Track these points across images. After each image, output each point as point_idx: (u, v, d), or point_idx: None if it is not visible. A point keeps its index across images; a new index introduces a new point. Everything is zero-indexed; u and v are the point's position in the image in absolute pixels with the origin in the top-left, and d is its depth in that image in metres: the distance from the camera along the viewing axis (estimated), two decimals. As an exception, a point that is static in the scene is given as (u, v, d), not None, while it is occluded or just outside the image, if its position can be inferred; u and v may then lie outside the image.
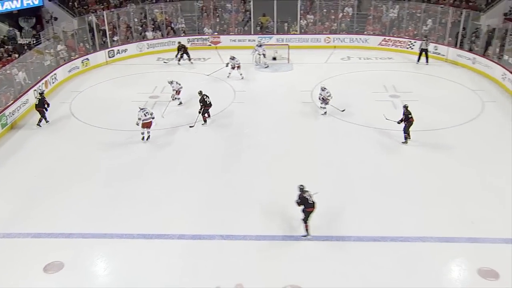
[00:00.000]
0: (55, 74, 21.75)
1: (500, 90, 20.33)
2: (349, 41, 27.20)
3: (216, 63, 24.61)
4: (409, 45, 25.95)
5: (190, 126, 17.31)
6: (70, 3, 27.79)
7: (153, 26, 27.49)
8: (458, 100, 19.43)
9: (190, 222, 12.10)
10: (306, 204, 11.19)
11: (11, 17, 26.03)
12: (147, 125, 16.19)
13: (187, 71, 23.81)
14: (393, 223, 11.85)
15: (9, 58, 21.44)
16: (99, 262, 10.96)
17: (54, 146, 16.43)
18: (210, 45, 27.53)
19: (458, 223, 11.81)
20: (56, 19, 26.70)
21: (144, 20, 27.44)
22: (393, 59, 25.16)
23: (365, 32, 27.47)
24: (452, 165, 14.39)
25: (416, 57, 24.23)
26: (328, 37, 27.32)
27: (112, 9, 27.16)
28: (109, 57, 25.52)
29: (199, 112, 17.32)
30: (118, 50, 25.88)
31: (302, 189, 11.25)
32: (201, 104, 17.25)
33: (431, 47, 24.24)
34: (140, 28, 27.29)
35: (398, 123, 15.64)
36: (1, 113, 17.21)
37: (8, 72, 19.25)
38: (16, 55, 21.66)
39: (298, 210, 11.23)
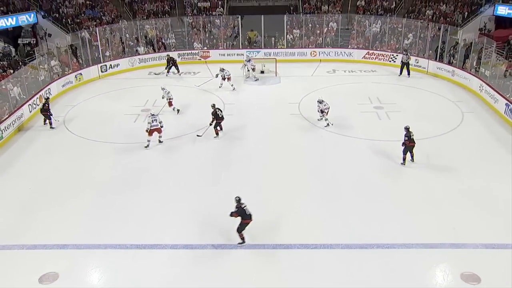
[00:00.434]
0: (49, 88, 21.63)
1: (478, 100, 20.64)
2: (334, 55, 27.47)
3: (206, 76, 24.78)
4: (391, 58, 26.27)
5: (198, 135, 17.36)
6: (64, 20, 27.77)
7: (144, 42, 27.53)
8: (439, 111, 19.69)
9: (182, 232, 12.06)
10: (244, 216, 11.24)
11: (6, 34, 25.96)
12: (156, 131, 16.47)
13: (177, 84, 23.83)
14: (378, 230, 11.91)
15: (4, 73, 21.34)
16: (93, 272, 10.85)
17: (49, 158, 16.30)
18: (200, 59, 27.62)
19: (441, 229, 11.91)
20: (50, 35, 26.69)
21: (136, 36, 27.46)
22: (376, 71, 25.43)
23: (349, 46, 27.78)
24: (434, 173, 14.55)
25: (399, 70, 24.50)
26: (314, 51, 27.56)
27: (105, 25, 27.17)
28: (102, 71, 25.47)
29: (210, 124, 17.20)
30: (111, 65, 25.85)
31: (238, 201, 11.27)
32: (213, 117, 17.11)
33: (412, 60, 24.61)
34: (132, 43, 27.30)
35: (402, 145, 14.80)
36: (-4, 127, 17.09)
37: (3, 87, 19.14)
38: (11, 71, 21.55)
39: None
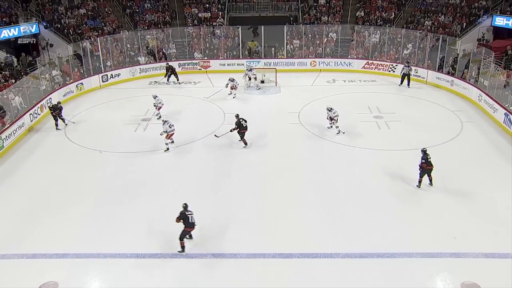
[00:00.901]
0: (50, 98, 21.68)
1: (477, 110, 20.67)
2: (334, 65, 27.56)
3: (207, 86, 24.88)
4: (391, 68, 26.36)
5: (216, 136, 17.65)
6: (66, 30, 27.92)
7: (145, 52, 27.64)
8: (438, 120, 19.71)
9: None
10: (187, 223, 11.33)
11: (9, 45, 26.08)
12: (172, 135, 16.89)
13: (178, 93, 23.89)
14: (379, 239, 11.86)
15: (6, 83, 21.40)
16: (93, 282, 10.79)
17: (49, 167, 16.28)
18: (200, 69, 27.71)
19: (441, 238, 11.86)
20: (51, 45, 26.85)
21: (137, 46, 27.59)
22: (376, 81, 25.50)
23: (349, 56, 27.89)
24: (434, 182, 14.50)
25: (399, 80, 24.53)
26: (314, 61, 27.66)
27: (106, 36, 27.30)
28: (103, 81, 25.55)
29: (230, 131, 17.26)
30: (112, 74, 25.94)
31: (185, 208, 11.42)
32: (236, 126, 17.12)
33: (411, 70, 24.62)
34: (133, 53, 27.40)
35: (419, 168, 14.04)
36: (-3, 137, 17.13)
37: (5, 97, 19.20)
38: (13, 81, 21.62)
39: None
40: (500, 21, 25.94)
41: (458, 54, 24.37)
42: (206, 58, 28.05)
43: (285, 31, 27.97)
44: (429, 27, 27.88)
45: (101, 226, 12.71)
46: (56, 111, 19.59)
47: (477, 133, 18.32)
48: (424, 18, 28.75)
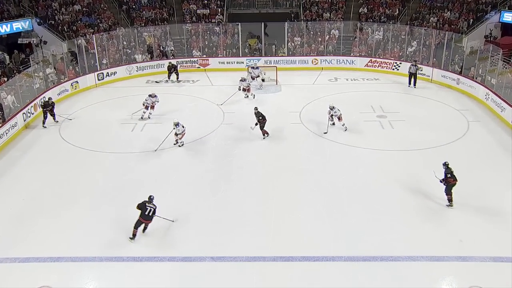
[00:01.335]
0: (44, 97, 21.65)
1: (484, 109, 20.65)
2: (336, 63, 27.55)
3: (206, 85, 24.87)
4: (395, 66, 26.33)
5: (252, 128, 18.04)
6: (60, 27, 27.90)
7: (142, 49, 27.63)
8: (444, 120, 19.69)
9: (180, 244, 12.00)
10: (143, 214, 11.85)
11: (0, 41, 26.07)
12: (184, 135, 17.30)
13: (176, 92, 23.89)
14: (383, 243, 11.85)
15: (-2, 81, 21.40)
16: (88, 286, 10.78)
17: (43, 168, 16.25)
18: (199, 67, 27.69)
19: (447, 241, 11.85)
20: (45, 42, 26.77)
21: (133, 43, 27.57)
22: (379, 80, 25.48)
23: (352, 54, 27.87)
24: (439, 184, 14.44)
25: (403, 78, 24.40)
26: (316, 59, 27.65)
27: (102, 33, 27.28)
28: (99, 79, 25.52)
29: (256, 124, 17.88)
30: (108, 73, 25.91)
31: (149, 199, 12.14)
32: (260, 118, 17.83)
33: (419, 70, 24.44)
34: (130, 51, 27.39)
35: (441, 182, 13.29)
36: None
37: (-3, 95, 19.20)
38: (5, 79, 21.60)
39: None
40: (509, 17, 25.90)
41: (464, 52, 24.34)
42: (205, 56, 28.04)
43: (286, 28, 27.95)
44: (434, 24, 27.85)
45: (96, 229, 12.67)
46: (48, 107, 19.60)
47: (484, 133, 18.30)
48: (429, 15, 28.72)
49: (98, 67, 25.84)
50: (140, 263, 11.34)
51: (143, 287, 10.59)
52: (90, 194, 14.47)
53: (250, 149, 17.30)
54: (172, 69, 25.45)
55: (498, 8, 26.72)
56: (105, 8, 30.38)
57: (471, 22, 27.16)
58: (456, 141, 17.58)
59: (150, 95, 20.10)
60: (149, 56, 27.57)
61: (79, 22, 28.88)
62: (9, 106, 19.50)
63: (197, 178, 15.29)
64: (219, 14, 30.93)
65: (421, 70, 24.75)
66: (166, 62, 26.56)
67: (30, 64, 22.79)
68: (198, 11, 31.01)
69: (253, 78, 24.00)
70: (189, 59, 27.73)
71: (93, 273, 11.13)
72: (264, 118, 17.91)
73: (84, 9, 29.73)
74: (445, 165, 13.35)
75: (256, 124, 17.87)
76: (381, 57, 27.07)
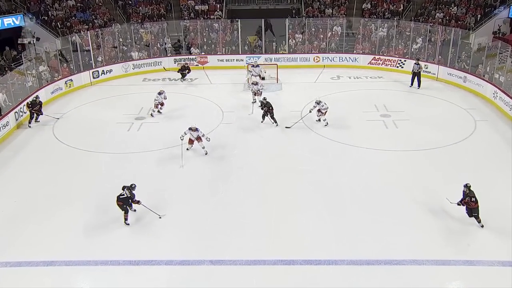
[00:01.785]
0: (37, 95, 21.60)
1: (492, 108, 20.64)
2: (339, 60, 27.53)
3: (204, 83, 24.85)
4: (399, 64, 26.32)
5: (287, 127, 18.85)
6: (53, 23, 27.89)
7: (138, 46, 27.62)
8: (450, 119, 19.68)
9: (178, 247, 11.98)
10: (117, 197, 12.67)
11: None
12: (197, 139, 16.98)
13: (175, 91, 23.78)
14: (387, 246, 11.83)
15: (-12, 79, 21.37)
16: (83, 291, 10.79)
17: (36, 170, 16.22)
18: (197, 65, 27.67)
19: (454, 245, 11.83)
20: (38, 39, 26.72)
21: (130, 40, 27.55)
22: (383, 78, 25.47)
23: (355, 51, 27.85)
24: (446, 185, 14.45)
25: (408, 76, 24.27)
26: (317, 57, 27.65)
27: (97, 29, 27.28)
28: (94, 77, 25.52)
29: (271, 116, 18.95)
30: (103, 70, 25.90)
31: (132, 187, 12.88)
32: (270, 108, 18.76)
33: (421, 65, 24.32)
34: (126, 48, 27.38)
35: (458, 204, 12.65)
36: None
37: (-13, 93, 19.19)
38: (-4, 77, 21.62)
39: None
40: (518, 12, 25.91)
41: (472, 49, 24.30)
42: (203, 53, 28.03)
43: (287, 24, 27.94)
44: (440, 20, 27.84)
45: (90, 232, 12.66)
46: (35, 107, 19.58)
47: (492, 132, 18.28)
48: (435, 10, 28.69)
49: (93, 64, 25.82)
50: (136, 266, 11.32)
51: (139, 291, 10.58)
52: (84, 196, 14.43)
53: (250, 149, 17.29)
54: (186, 69, 25.44)
55: (507, 3, 26.64)
56: (100, 4, 30.38)
57: (478, 18, 27.14)
58: (462, 141, 17.56)
59: (159, 93, 20.25)
60: (146, 53, 27.47)
61: (73, 18, 28.90)
62: (0, 104, 19.49)
63: (196, 179, 15.27)
64: (218, 10, 30.92)
65: (427, 68, 24.74)
66: (163, 60, 26.79)
67: (22, 61, 22.76)
68: (197, 7, 31.01)
69: (253, 76, 23.97)
70: (187, 57, 27.67)
71: (88, 277, 11.12)
72: (272, 107, 18.79)
73: (79, 4, 29.76)
74: (467, 187, 12.40)
75: (264, 117, 18.94)
76: (385, 54, 27.06)
